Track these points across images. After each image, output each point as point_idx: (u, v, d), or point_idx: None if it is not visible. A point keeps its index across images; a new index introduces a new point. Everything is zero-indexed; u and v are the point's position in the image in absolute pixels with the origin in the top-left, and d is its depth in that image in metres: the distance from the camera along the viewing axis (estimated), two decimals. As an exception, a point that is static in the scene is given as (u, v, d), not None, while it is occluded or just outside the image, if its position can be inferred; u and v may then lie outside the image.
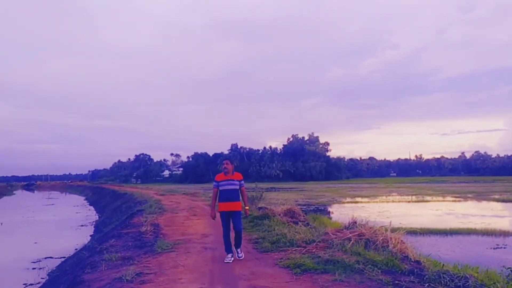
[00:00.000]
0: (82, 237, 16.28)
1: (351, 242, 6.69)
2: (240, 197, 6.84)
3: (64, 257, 12.79)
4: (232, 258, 6.63)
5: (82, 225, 22.98)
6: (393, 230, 7.13)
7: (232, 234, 6.78)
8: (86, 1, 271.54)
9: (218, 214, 6.88)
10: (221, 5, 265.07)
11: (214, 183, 6.88)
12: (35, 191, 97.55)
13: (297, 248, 7.07)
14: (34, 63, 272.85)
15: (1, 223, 24.44)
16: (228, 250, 6.73)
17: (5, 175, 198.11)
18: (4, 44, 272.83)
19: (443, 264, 5.68)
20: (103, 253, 7.39)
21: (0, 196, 67.94)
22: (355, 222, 8.33)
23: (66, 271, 9.28)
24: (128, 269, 5.96)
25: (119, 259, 6.88)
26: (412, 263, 5.68)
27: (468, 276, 4.78)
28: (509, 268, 6.53)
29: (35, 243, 16.79)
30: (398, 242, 6.39)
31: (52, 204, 44.12)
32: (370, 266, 5.44)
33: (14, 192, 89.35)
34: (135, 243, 8.56)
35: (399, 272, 5.30)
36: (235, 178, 6.77)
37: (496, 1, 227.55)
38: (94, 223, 23.78)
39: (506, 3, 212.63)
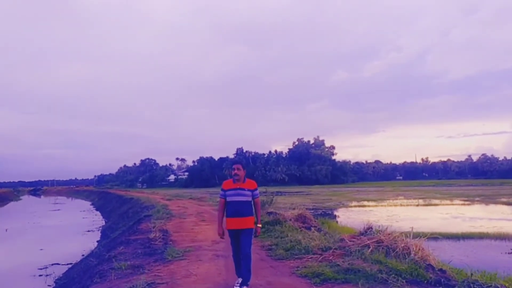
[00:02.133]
0: (89, 243, 16.08)
1: (370, 250, 6.41)
2: (253, 211, 5.48)
3: (71, 263, 12.59)
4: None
5: (88, 231, 22.79)
6: (412, 234, 6.86)
7: None
8: (92, 9, 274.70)
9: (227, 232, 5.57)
10: (224, 10, 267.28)
11: (221, 192, 5.54)
12: (42, 196, 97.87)
13: (313, 256, 6.79)
14: (41, 70, 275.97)
15: (6, 230, 24.32)
16: (239, 272, 5.51)
17: (12, 181, 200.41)
18: (11, 52, 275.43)
19: (472, 273, 5.40)
20: (112, 261, 7.16)
21: (7, 201, 68.15)
22: (371, 228, 8.07)
23: (74, 279, 9.07)
24: (139, 278, 5.73)
25: (129, 267, 6.64)
26: (436, 272, 5.40)
27: (499, 286, 4.52)
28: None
29: (41, 249, 16.60)
30: (419, 249, 6.11)
31: (58, 210, 44.05)
32: (393, 275, 5.16)
33: (21, 197, 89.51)
34: (144, 250, 8.32)
35: (425, 282, 5.03)
36: (246, 187, 5.41)
37: (498, 3, 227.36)
38: (100, 228, 23.60)
39: (509, 5, 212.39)
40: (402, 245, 6.25)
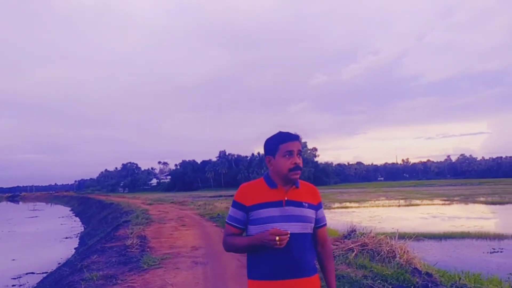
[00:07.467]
0: (66, 250, 15.55)
1: (354, 253, 6.19)
2: (315, 262, 2.01)
3: (46, 273, 12.09)
4: None
5: (66, 237, 22.13)
6: (397, 236, 6.69)
7: None
8: (73, 11, 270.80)
9: None
10: (206, 13, 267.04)
11: (233, 209, 1.97)
12: (20, 203, 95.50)
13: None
14: (20, 73, 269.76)
15: None
16: None
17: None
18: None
19: (460, 277, 5.21)
20: (84, 272, 6.77)
21: (-17, 208, 66.29)
22: (354, 230, 7.87)
23: (46, 290, 8.62)
24: (111, 290, 5.39)
25: (101, 278, 6.24)
26: (423, 275, 5.19)
27: (487, 290, 4.34)
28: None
29: (13, 260, 15.94)
30: (404, 252, 5.92)
31: (36, 216, 42.85)
32: (379, 281, 4.93)
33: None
34: (119, 258, 7.92)
35: (412, 287, 4.82)
36: (304, 199, 1.98)
37: (474, 7, 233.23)
38: (79, 235, 22.96)
39: (484, 9, 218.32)
40: (387, 248, 6.06)
